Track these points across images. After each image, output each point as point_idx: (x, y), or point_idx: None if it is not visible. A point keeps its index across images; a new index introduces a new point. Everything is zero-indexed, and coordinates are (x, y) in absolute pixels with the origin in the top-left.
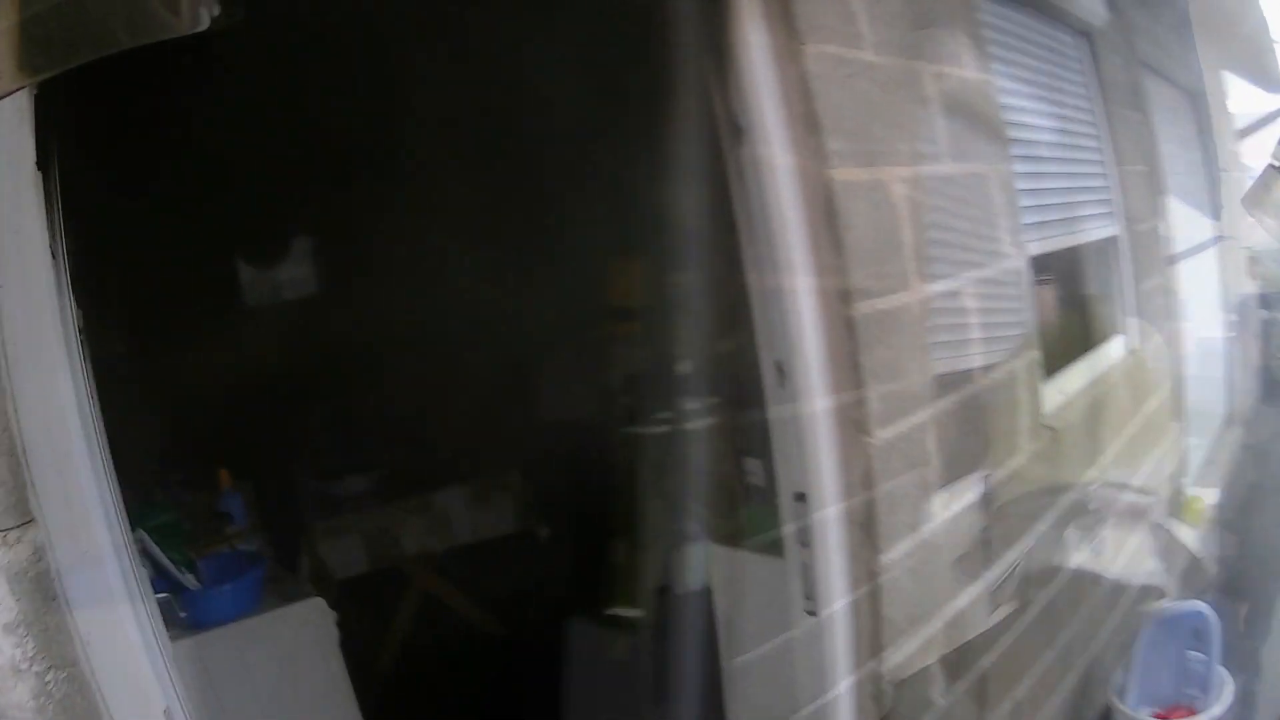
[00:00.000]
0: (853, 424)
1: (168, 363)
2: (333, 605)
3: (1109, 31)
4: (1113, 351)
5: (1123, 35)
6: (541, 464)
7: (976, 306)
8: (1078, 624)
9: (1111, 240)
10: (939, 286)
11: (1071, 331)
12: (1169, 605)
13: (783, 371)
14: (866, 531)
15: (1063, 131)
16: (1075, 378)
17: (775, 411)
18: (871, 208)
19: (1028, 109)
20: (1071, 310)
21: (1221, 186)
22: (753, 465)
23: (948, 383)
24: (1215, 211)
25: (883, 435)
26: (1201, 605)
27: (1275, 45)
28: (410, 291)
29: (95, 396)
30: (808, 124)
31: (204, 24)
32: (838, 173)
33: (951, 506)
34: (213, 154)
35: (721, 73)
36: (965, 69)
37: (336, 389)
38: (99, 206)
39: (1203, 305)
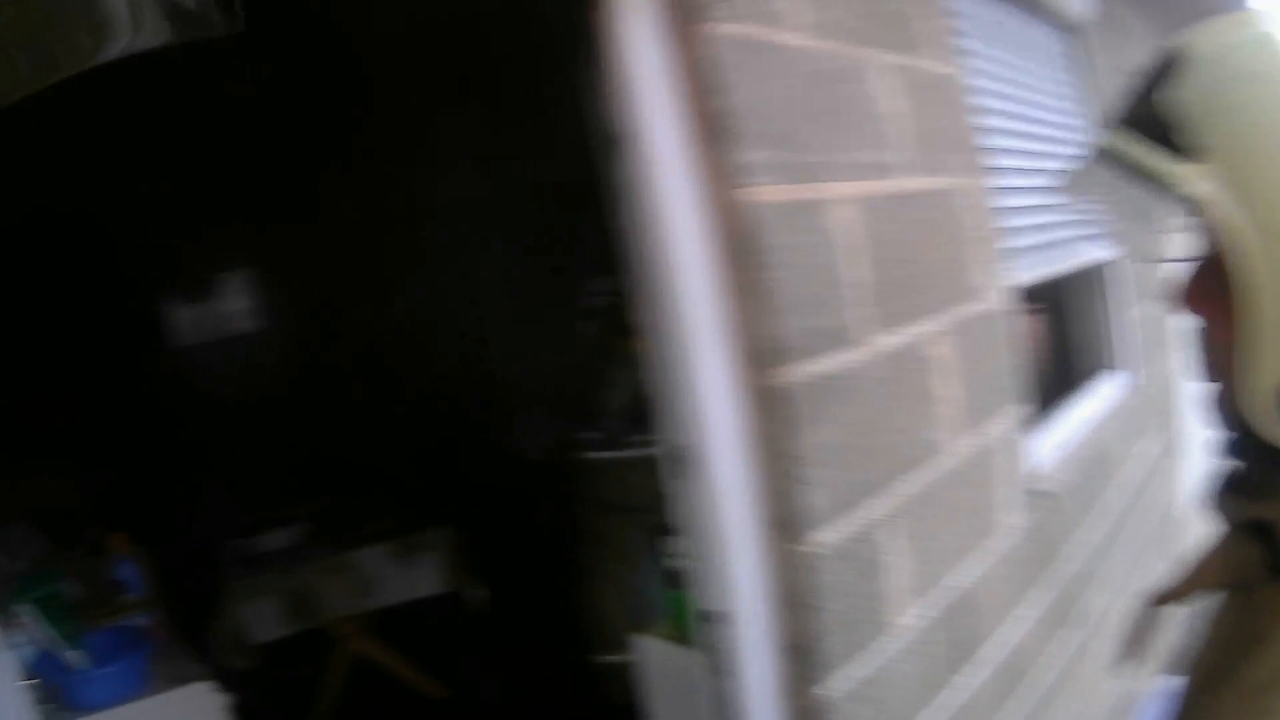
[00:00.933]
0: (783, 528)
1: (54, 414)
2: (241, 679)
3: (1100, 28)
4: (1108, 390)
5: (1114, 36)
6: (475, 516)
7: (948, 358)
8: None
9: (1107, 265)
10: (898, 337)
11: (1063, 371)
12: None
13: (686, 459)
14: (801, 658)
15: (1050, 139)
16: (1071, 426)
17: (680, 509)
18: (805, 237)
19: (1008, 112)
20: (1061, 346)
21: None
22: (670, 545)
23: (913, 459)
24: None
25: (822, 539)
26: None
27: None
28: (328, 326)
29: None
30: (710, 128)
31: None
32: (756, 192)
33: (922, 616)
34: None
35: (589, 64)
36: (930, 60)
37: (250, 436)
38: None
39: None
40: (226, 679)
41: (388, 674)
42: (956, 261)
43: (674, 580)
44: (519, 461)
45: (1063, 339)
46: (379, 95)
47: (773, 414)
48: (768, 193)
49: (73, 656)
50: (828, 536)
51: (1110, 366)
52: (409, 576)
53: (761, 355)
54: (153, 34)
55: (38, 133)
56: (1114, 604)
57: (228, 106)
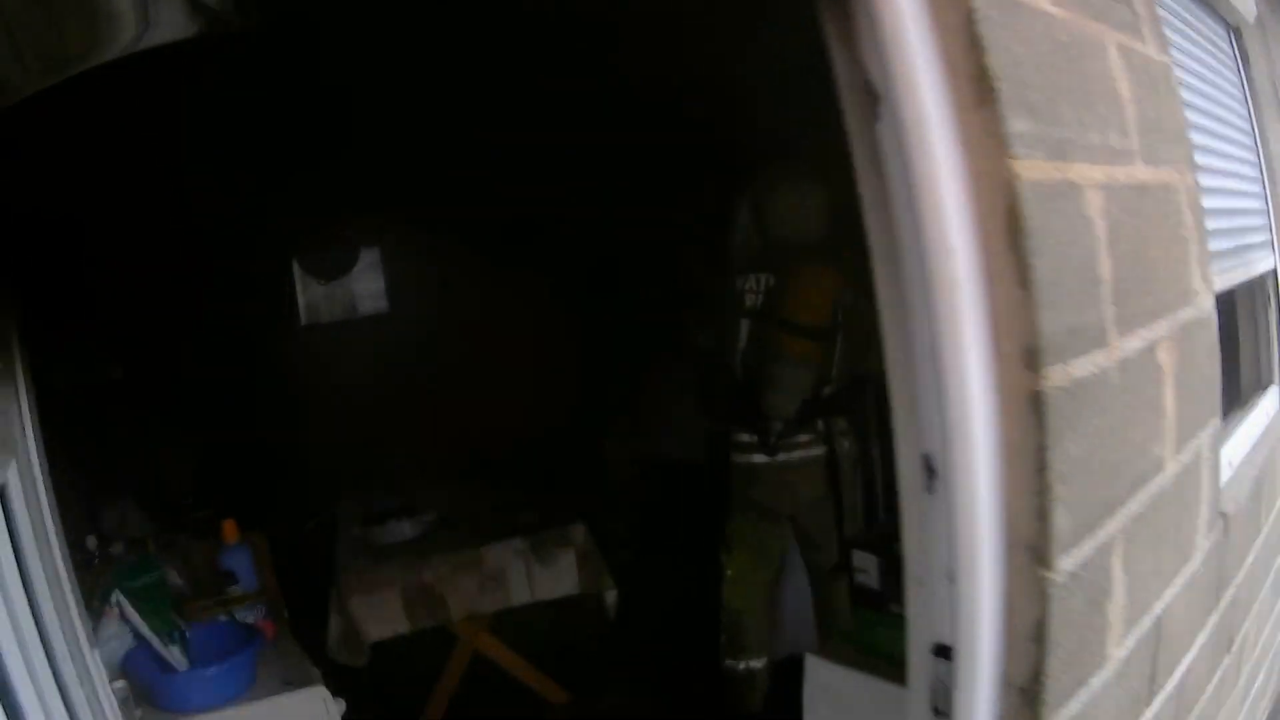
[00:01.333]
0: (1028, 551)
1: (166, 388)
2: (352, 680)
3: (1259, 30)
4: (1272, 405)
5: (1274, 37)
6: (614, 515)
7: (1173, 365)
8: None
9: (1270, 273)
10: (1137, 340)
11: (1229, 386)
12: None
13: (932, 470)
14: (1025, 699)
15: (1221, 138)
16: (1238, 444)
17: (913, 524)
18: (1063, 221)
19: (1197, 107)
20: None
21: None
22: (864, 560)
23: (1142, 476)
24: None
25: (1065, 566)
26: None
27: None
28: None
29: None
30: (977, 89)
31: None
32: (1023, 165)
33: (1130, 646)
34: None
35: (842, 9)
36: (1149, 46)
37: (377, 421)
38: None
39: None
40: (339, 679)
41: (507, 675)
42: (1179, 261)
43: (865, 599)
44: (663, 461)
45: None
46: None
47: (1031, 421)
48: (1033, 168)
49: (172, 653)
50: (1070, 562)
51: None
52: (544, 575)
53: (1024, 354)
54: (169, 28)
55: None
56: (1269, 633)
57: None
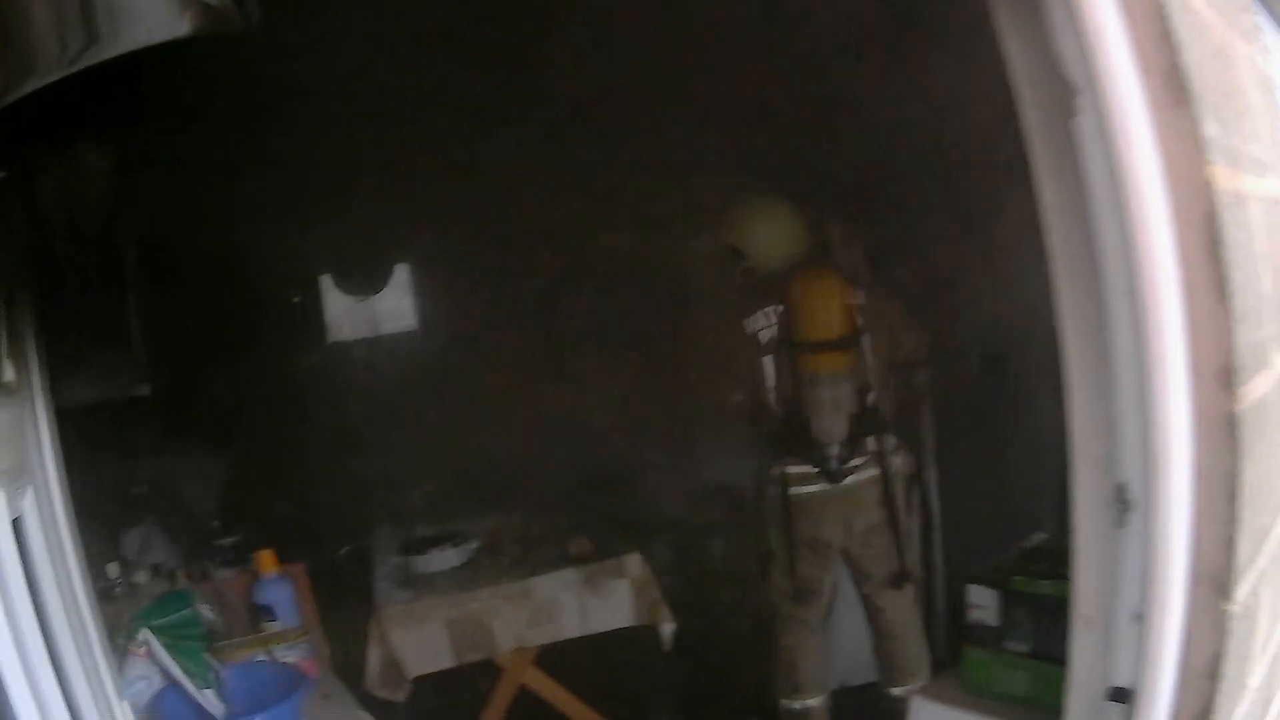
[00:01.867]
0: (1211, 583)
1: (192, 406)
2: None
3: None
4: None
5: None
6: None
7: None
8: None
9: None
10: None
11: None
12: None
13: (1126, 501)
14: None
15: None
16: None
17: (1096, 560)
18: (1247, 234)
19: None
20: None
21: None
22: (982, 596)
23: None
24: None
25: (1240, 596)
26: None
27: None
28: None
29: None
30: (1172, 87)
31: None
32: (1219, 172)
33: (1263, 675)
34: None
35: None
36: (1267, 55)
37: (417, 442)
38: None
39: None
40: (376, 713)
41: (553, 709)
42: None
43: (978, 636)
44: (711, 491)
45: None
46: None
47: (1229, 445)
48: (1224, 176)
49: (208, 698)
50: (1243, 591)
51: None
52: (598, 607)
53: (1221, 373)
54: (165, 27)
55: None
56: None
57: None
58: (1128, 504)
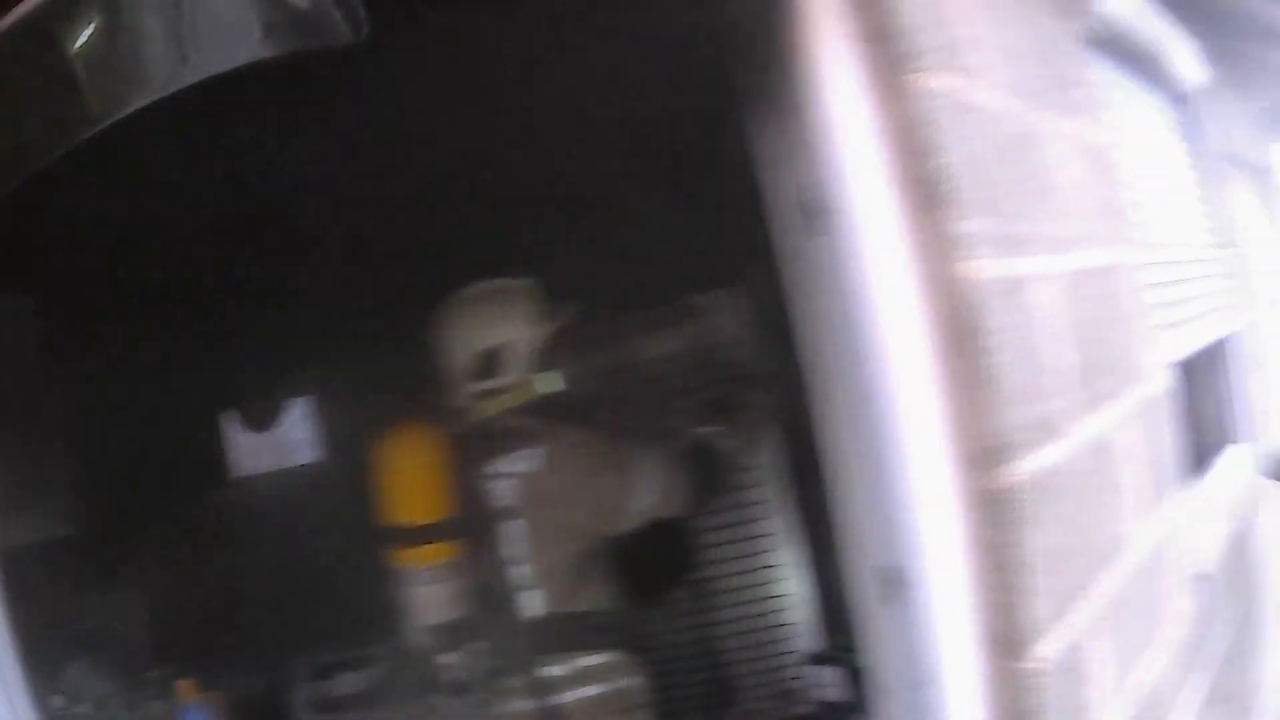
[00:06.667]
0: (1004, 646)
1: (116, 543)
2: None
3: (1205, 96)
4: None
5: (1218, 101)
6: None
7: (1132, 444)
8: None
9: (1227, 337)
10: (1093, 425)
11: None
12: None
13: (892, 581)
14: None
15: (1169, 211)
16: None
17: (875, 634)
18: (1014, 317)
19: (1140, 181)
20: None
21: None
22: (823, 674)
23: (1108, 555)
24: None
25: (1045, 654)
26: None
27: None
28: None
29: None
30: (926, 195)
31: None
32: (975, 266)
33: None
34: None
35: (783, 122)
36: (1095, 127)
37: (317, 569)
38: None
39: None
40: None
41: None
42: (1132, 340)
43: (832, 715)
44: None
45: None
46: None
47: (997, 519)
48: (985, 267)
49: None
50: (1046, 650)
51: (1237, 439)
52: None
53: (984, 453)
54: (253, 45)
55: None
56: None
57: None
58: (892, 583)
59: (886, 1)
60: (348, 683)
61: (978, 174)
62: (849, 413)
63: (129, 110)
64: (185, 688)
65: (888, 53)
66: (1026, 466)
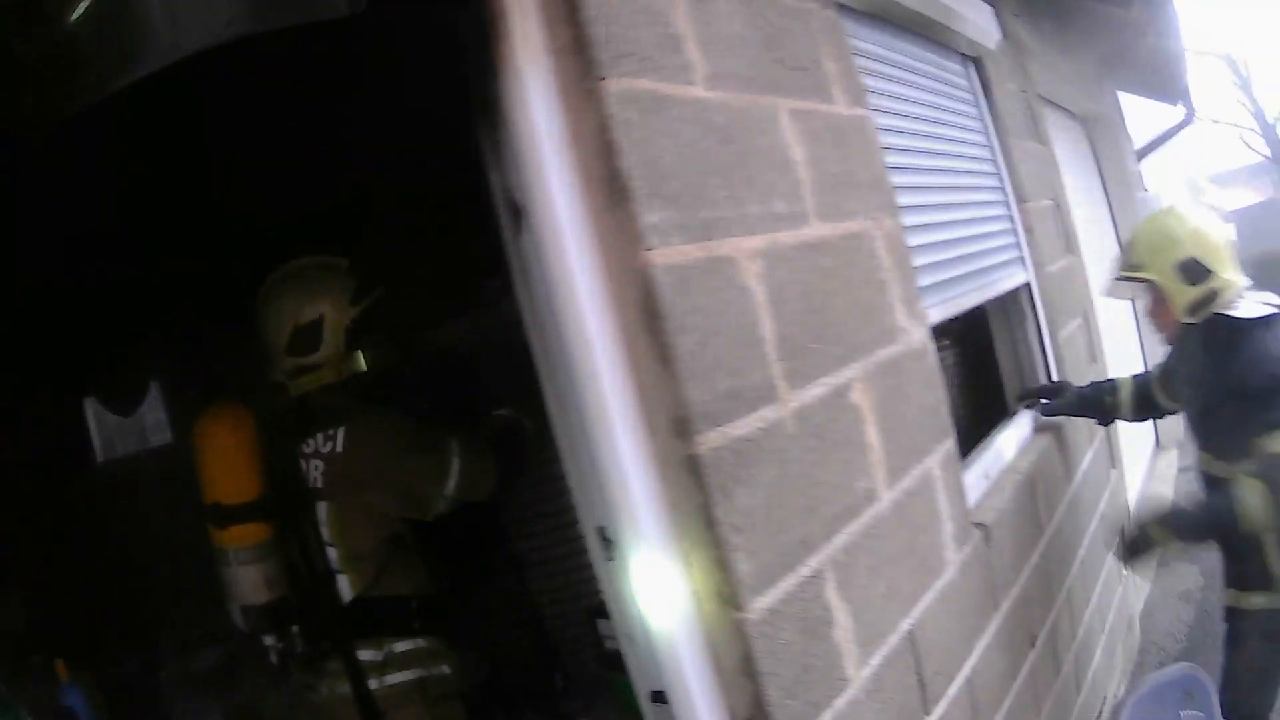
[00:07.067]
0: (719, 599)
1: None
2: None
3: (1001, 56)
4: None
5: (1016, 60)
6: None
7: (876, 402)
8: None
9: (1023, 288)
10: (821, 388)
11: (988, 400)
12: (1156, 674)
13: (608, 540)
14: None
15: (957, 171)
16: (999, 454)
17: (610, 589)
18: (715, 296)
19: (916, 149)
20: (983, 376)
21: (1128, 207)
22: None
23: (851, 508)
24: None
25: (761, 605)
26: (1190, 667)
27: (1180, 57)
28: None
29: None
30: (611, 191)
31: None
32: (658, 254)
33: (884, 664)
34: None
35: (491, 131)
36: (836, 104)
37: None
38: None
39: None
40: None
41: None
42: (875, 304)
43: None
44: None
45: (991, 367)
46: None
47: (696, 483)
48: (671, 254)
49: None
50: (766, 600)
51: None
52: None
53: (675, 424)
54: (249, 17)
55: None
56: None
57: None
58: (609, 542)
59: (579, 15)
60: (208, 658)
61: (670, 167)
62: (562, 391)
63: (122, 85)
64: (60, 668)
65: (579, 63)
66: (728, 432)
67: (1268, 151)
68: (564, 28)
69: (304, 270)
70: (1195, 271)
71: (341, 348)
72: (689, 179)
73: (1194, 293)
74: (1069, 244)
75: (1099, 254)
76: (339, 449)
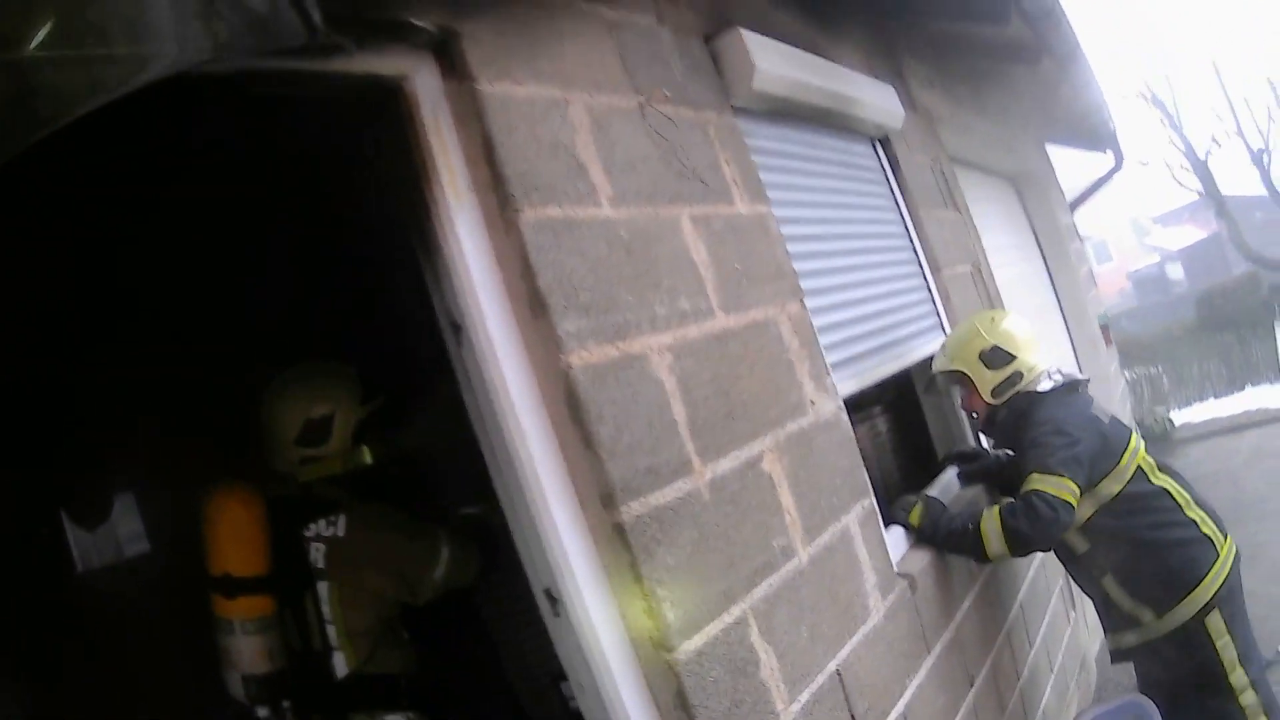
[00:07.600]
0: (652, 644)
1: None
2: None
3: (909, 131)
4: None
5: (927, 131)
6: None
7: (788, 469)
8: None
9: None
10: (730, 461)
11: (920, 461)
12: (1100, 705)
13: (554, 598)
14: None
15: (868, 250)
16: None
17: (560, 643)
18: (628, 388)
19: (822, 235)
20: (914, 438)
21: (1063, 260)
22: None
23: (770, 563)
24: (1055, 290)
25: (690, 647)
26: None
27: (1100, 105)
28: None
29: None
30: (532, 306)
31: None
32: (575, 357)
33: (814, 701)
34: None
35: (429, 258)
36: (736, 204)
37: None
38: None
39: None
40: None
41: None
42: (783, 382)
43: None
44: None
45: (922, 430)
46: None
47: (624, 546)
48: (587, 356)
49: None
50: (694, 644)
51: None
52: None
53: (605, 498)
54: (212, 44)
55: None
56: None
57: None
58: (556, 600)
59: (494, 154)
60: None
61: (582, 280)
62: (505, 476)
63: (80, 113)
64: None
65: (498, 197)
66: (648, 502)
67: (1199, 187)
68: (483, 167)
69: (315, 371)
70: (997, 357)
71: (349, 442)
72: (599, 289)
73: (997, 377)
74: (991, 305)
75: (1036, 309)
76: (341, 533)
